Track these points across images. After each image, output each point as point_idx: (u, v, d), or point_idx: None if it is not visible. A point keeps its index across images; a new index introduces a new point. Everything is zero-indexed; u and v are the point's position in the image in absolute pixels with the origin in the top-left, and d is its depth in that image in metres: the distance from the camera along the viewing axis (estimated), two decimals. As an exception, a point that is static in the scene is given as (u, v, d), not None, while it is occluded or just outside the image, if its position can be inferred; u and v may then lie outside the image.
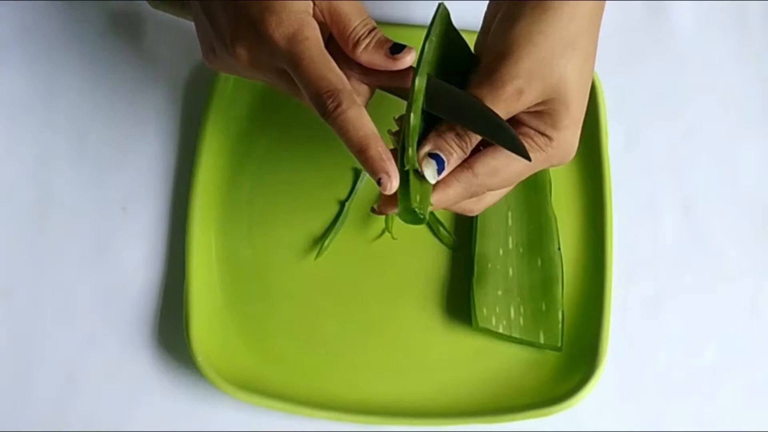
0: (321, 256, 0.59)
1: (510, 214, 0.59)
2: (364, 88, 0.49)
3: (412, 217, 0.46)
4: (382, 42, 0.47)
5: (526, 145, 0.47)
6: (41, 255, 0.60)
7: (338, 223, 0.59)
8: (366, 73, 0.48)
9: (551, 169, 0.60)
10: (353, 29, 0.47)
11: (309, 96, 0.45)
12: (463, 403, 0.56)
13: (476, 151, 0.48)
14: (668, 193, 0.62)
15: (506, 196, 0.59)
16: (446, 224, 0.60)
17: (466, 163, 0.47)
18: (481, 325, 0.57)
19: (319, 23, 0.47)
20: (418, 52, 0.48)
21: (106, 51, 0.64)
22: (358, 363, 0.57)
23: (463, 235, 0.60)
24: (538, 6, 0.46)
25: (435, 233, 0.60)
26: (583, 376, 0.56)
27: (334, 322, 0.58)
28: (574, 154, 0.49)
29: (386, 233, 0.59)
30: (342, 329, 0.58)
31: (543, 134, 0.48)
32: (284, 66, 0.46)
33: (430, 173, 0.46)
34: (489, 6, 0.50)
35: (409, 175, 0.46)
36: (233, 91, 0.61)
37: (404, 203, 0.46)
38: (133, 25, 0.64)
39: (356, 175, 0.61)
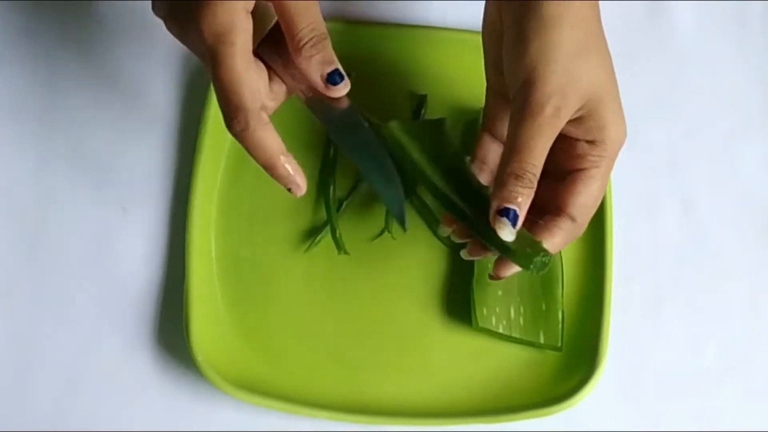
0: (320, 256, 0.59)
1: (510, 214, 0.59)
2: (281, 90, 0.49)
3: (537, 266, 0.48)
4: (326, 61, 0.47)
5: (588, 164, 0.49)
6: (41, 255, 0.60)
7: (334, 222, 0.59)
8: (295, 77, 0.48)
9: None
10: (299, 31, 0.46)
11: (219, 104, 0.45)
12: (463, 403, 0.56)
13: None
14: (668, 193, 0.62)
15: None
16: (446, 224, 0.60)
17: (558, 210, 0.49)
18: (481, 325, 0.57)
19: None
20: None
21: (107, 51, 0.64)
22: (358, 363, 0.57)
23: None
24: (541, 26, 0.47)
25: (435, 233, 0.60)
26: (583, 376, 0.56)
27: (334, 321, 0.58)
28: (626, 138, 0.50)
29: (386, 233, 0.59)
30: (342, 329, 0.58)
31: (591, 141, 0.49)
32: (206, 59, 0.46)
33: (507, 233, 0.47)
34: (484, 30, 0.51)
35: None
36: (233, 91, 0.61)
37: (522, 262, 0.48)
38: (134, 25, 0.64)
39: (357, 175, 0.61)
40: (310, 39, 0.46)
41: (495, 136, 0.53)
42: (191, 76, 0.63)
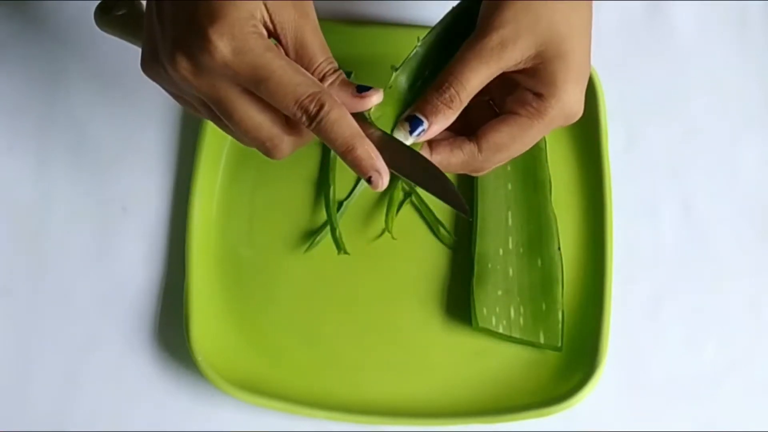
0: (320, 256, 0.59)
1: (510, 214, 0.59)
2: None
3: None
4: (346, 82, 0.46)
5: (524, 111, 0.47)
6: (41, 255, 0.60)
7: (334, 222, 0.59)
8: None
9: (551, 170, 0.60)
10: (319, 65, 0.45)
11: (286, 108, 0.43)
12: (463, 403, 0.56)
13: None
14: (668, 193, 0.62)
15: (506, 196, 0.59)
16: (446, 224, 0.60)
17: (473, 136, 0.47)
18: (481, 325, 0.57)
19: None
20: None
21: (106, 51, 0.64)
22: (358, 363, 0.57)
23: (463, 235, 0.60)
24: None
25: (435, 233, 0.60)
26: (583, 376, 0.56)
27: (335, 322, 0.58)
28: (579, 113, 0.48)
29: (386, 233, 0.59)
30: (342, 329, 0.58)
31: (538, 94, 0.47)
32: (239, 83, 0.43)
33: (401, 135, 0.46)
34: None
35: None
36: (233, 91, 0.61)
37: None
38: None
39: (357, 175, 0.60)
40: (329, 69, 0.46)
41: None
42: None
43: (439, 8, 0.64)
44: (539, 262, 0.58)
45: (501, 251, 0.58)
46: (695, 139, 0.63)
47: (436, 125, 0.46)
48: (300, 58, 0.45)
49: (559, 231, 0.59)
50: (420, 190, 0.60)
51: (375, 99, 0.46)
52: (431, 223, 0.60)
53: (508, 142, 0.47)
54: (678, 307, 0.59)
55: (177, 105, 0.62)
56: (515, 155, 0.49)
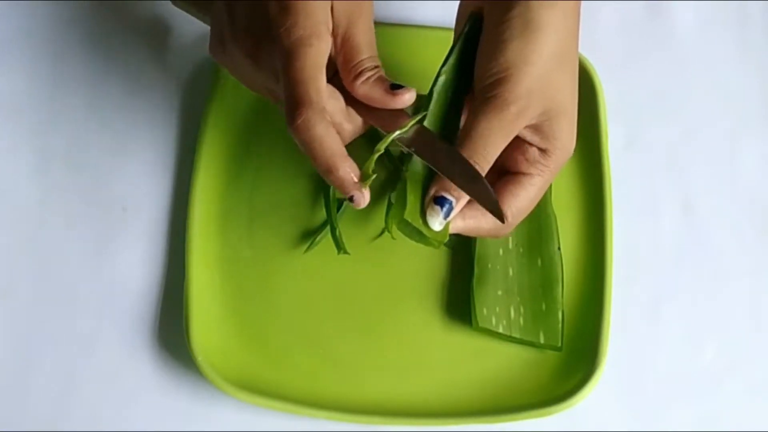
0: (320, 256, 0.59)
1: (510, 214, 0.59)
2: (357, 119, 0.49)
3: (419, 237, 0.48)
4: (382, 79, 0.47)
5: (534, 170, 0.49)
6: (41, 255, 0.60)
7: (335, 221, 0.59)
8: (360, 110, 0.48)
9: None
10: (360, 60, 0.47)
11: (284, 98, 0.45)
12: (463, 403, 0.56)
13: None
14: (668, 193, 0.62)
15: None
16: (446, 224, 0.60)
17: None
18: (481, 325, 0.57)
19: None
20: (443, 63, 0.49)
21: (106, 51, 0.64)
22: (358, 363, 0.57)
23: (463, 235, 0.59)
24: (525, 29, 0.47)
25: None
26: (583, 376, 0.56)
27: (334, 322, 0.58)
28: (572, 153, 0.50)
29: (386, 233, 0.59)
30: (342, 329, 0.58)
31: (543, 149, 0.49)
32: (279, 64, 0.46)
33: (436, 222, 0.47)
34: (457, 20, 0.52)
35: (406, 186, 0.47)
36: (233, 91, 0.61)
37: (397, 210, 0.47)
38: (134, 25, 0.64)
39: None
40: (369, 65, 0.47)
41: None
42: (192, 76, 0.63)
43: (439, 8, 0.64)
44: (539, 262, 0.58)
45: (501, 251, 0.58)
46: (695, 139, 0.63)
47: (463, 199, 0.48)
48: (344, 50, 0.47)
49: (559, 231, 0.59)
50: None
51: (407, 98, 0.47)
52: None
53: (528, 204, 0.50)
54: (678, 307, 0.59)
55: (177, 105, 0.63)
56: (529, 212, 0.51)
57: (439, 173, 0.47)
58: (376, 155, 0.47)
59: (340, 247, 0.58)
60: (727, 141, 0.63)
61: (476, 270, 0.58)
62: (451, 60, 0.50)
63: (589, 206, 0.60)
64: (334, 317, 0.58)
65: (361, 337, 0.58)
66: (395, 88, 0.47)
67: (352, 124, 0.49)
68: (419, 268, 0.59)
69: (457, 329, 0.58)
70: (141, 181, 0.61)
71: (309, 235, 0.60)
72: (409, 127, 0.48)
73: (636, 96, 0.63)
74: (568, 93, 0.49)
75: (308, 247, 0.59)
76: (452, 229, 0.49)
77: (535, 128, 0.49)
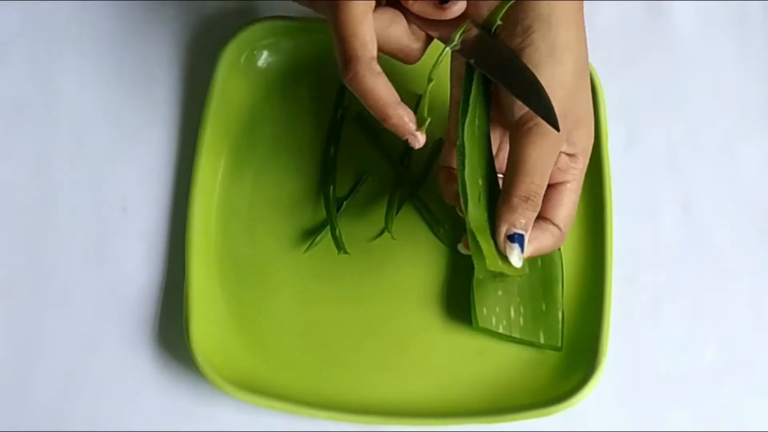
0: (320, 256, 0.59)
1: (510, 214, 0.59)
2: (421, 35, 0.51)
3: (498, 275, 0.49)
4: None
5: (569, 176, 0.51)
6: (41, 255, 0.60)
7: (335, 221, 0.59)
8: (421, 25, 0.50)
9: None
10: None
11: (336, 52, 0.47)
12: (463, 403, 0.56)
13: None
14: (668, 193, 0.62)
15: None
16: (446, 224, 0.60)
17: (546, 220, 0.51)
18: (481, 325, 0.57)
19: None
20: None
21: (106, 51, 0.64)
22: (358, 363, 0.57)
23: (463, 235, 0.60)
24: (554, 52, 0.49)
25: (435, 233, 0.60)
26: (583, 376, 0.56)
27: (334, 322, 0.58)
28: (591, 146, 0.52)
29: (386, 233, 0.59)
30: (342, 329, 0.58)
31: (571, 155, 0.51)
32: (325, 10, 0.48)
33: (516, 258, 0.49)
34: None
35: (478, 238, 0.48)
36: (234, 91, 0.61)
37: (479, 263, 0.48)
38: (133, 26, 0.64)
39: (357, 175, 0.61)
40: None
41: None
42: (191, 75, 0.63)
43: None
44: (539, 262, 0.58)
45: (501, 251, 0.58)
46: (695, 139, 0.63)
47: (530, 225, 0.49)
48: None
49: (559, 231, 0.59)
50: (420, 193, 0.60)
51: (457, 9, 0.48)
52: (432, 223, 0.60)
53: (573, 209, 0.52)
54: (678, 307, 0.59)
55: (176, 105, 0.63)
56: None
57: (500, 87, 0.48)
58: (430, 85, 0.49)
59: (340, 247, 0.58)
60: (727, 141, 0.63)
61: (476, 270, 0.58)
62: (471, 104, 0.50)
63: (589, 206, 0.60)
64: (334, 317, 0.58)
65: (361, 337, 0.58)
66: (444, 1, 0.48)
67: (418, 41, 0.51)
68: (419, 268, 0.59)
69: (457, 329, 0.58)
70: (141, 181, 0.61)
71: (309, 235, 0.60)
72: (458, 36, 0.49)
73: (636, 96, 0.63)
74: (587, 102, 0.51)
75: (308, 248, 0.59)
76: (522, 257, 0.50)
77: (567, 137, 0.50)
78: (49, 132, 0.62)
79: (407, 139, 0.48)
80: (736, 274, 0.60)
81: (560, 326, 0.57)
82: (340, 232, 0.58)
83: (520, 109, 0.48)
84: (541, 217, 0.51)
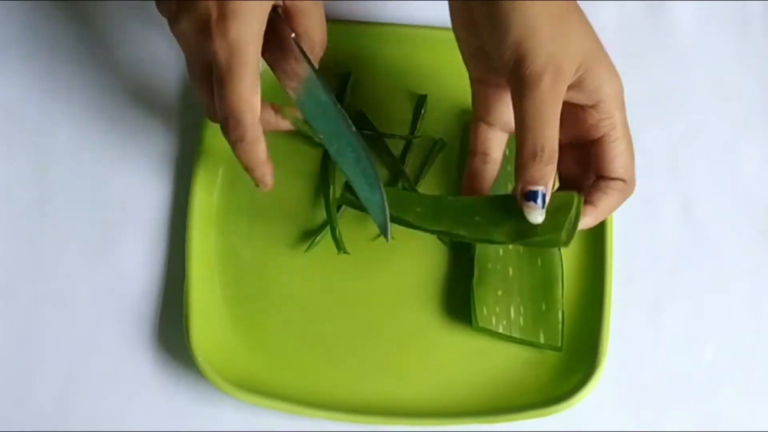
0: (320, 256, 0.59)
1: (510, 214, 0.59)
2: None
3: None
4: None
5: (605, 127, 0.49)
6: (41, 255, 0.60)
7: (334, 221, 0.59)
8: (287, 73, 0.52)
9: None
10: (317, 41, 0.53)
11: (219, 111, 0.49)
12: (463, 403, 0.56)
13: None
14: (668, 193, 0.62)
15: (506, 196, 0.59)
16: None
17: (605, 176, 0.50)
18: (481, 325, 0.57)
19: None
20: None
21: (106, 51, 0.64)
22: (358, 363, 0.57)
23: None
24: (518, 3, 0.47)
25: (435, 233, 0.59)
26: (583, 376, 0.56)
27: (334, 322, 0.58)
28: (623, 87, 0.51)
29: (386, 233, 0.59)
30: (342, 329, 0.58)
31: (595, 105, 0.49)
32: (212, 62, 0.48)
33: (537, 215, 0.48)
34: (454, 25, 0.52)
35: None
36: (233, 91, 0.61)
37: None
38: (134, 26, 0.64)
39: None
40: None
41: (491, 123, 0.53)
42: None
43: (438, 8, 0.64)
44: (539, 262, 0.58)
45: (501, 251, 0.58)
46: (695, 139, 0.63)
47: (549, 185, 0.48)
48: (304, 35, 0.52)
49: (559, 231, 0.59)
50: (420, 190, 0.60)
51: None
52: None
53: (628, 154, 0.51)
54: (678, 307, 0.59)
55: (177, 105, 0.63)
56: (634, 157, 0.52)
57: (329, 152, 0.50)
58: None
59: (340, 247, 0.58)
60: (727, 141, 0.63)
61: (476, 270, 0.58)
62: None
63: (589, 206, 0.60)
64: (334, 317, 0.58)
65: (361, 337, 0.58)
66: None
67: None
68: (419, 268, 0.59)
69: (457, 329, 0.58)
70: (141, 181, 0.61)
71: (309, 235, 0.60)
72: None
73: (636, 96, 0.63)
74: (591, 41, 0.48)
75: (308, 247, 0.59)
76: (587, 225, 0.50)
77: (579, 86, 0.48)
78: (49, 132, 0.62)
79: (257, 184, 0.53)
80: (736, 274, 0.60)
81: (560, 326, 0.57)
82: (340, 232, 0.58)
83: (506, 65, 0.47)
84: (600, 177, 0.50)
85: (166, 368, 0.58)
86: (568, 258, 0.58)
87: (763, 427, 0.57)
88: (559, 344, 0.57)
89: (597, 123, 0.49)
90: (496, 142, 0.53)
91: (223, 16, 0.47)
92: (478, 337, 0.57)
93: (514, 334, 0.57)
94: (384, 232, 0.49)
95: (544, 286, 0.58)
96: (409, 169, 0.61)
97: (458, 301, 0.58)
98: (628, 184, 0.51)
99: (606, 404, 0.57)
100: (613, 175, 0.50)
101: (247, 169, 0.52)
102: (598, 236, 0.59)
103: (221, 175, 0.60)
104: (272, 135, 0.61)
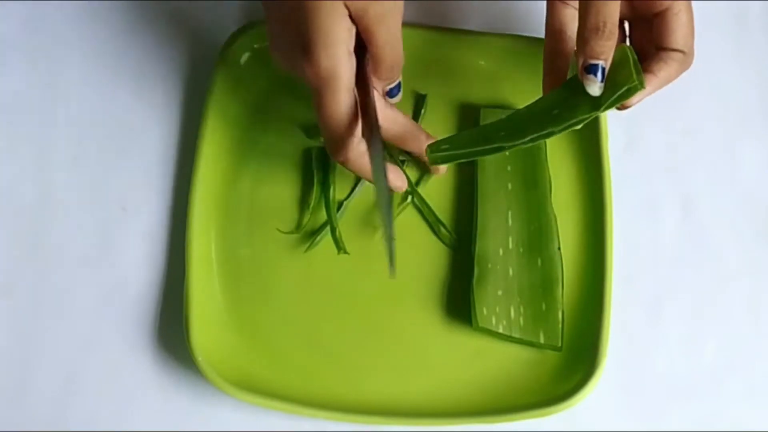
0: (320, 256, 0.59)
1: (510, 213, 0.59)
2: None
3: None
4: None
5: (666, 2, 0.52)
6: (41, 255, 0.60)
7: (334, 221, 0.59)
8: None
9: (551, 170, 0.60)
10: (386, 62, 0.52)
11: (324, 135, 0.50)
12: (463, 403, 0.56)
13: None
14: (668, 193, 0.62)
15: (506, 196, 0.59)
16: (447, 224, 0.60)
17: (666, 48, 0.52)
18: (481, 325, 0.57)
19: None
20: None
21: (106, 51, 0.64)
22: (358, 363, 0.57)
23: (463, 235, 0.60)
24: None
25: (436, 233, 0.60)
26: (583, 376, 0.56)
27: (334, 322, 0.58)
28: None
29: (386, 233, 0.59)
30: (342, 329, 0.58)
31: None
32: (313, 96, 0.49)
33: (596, 88, 0.50)
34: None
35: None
36: (233, 92, 0.61)
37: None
38: (134, 26, 0.64)
39: (357, 176, 0.60)
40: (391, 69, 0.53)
41: (565, 0, 0.54)
42: (192, 76, 0.63)
43: (439, 8, 0.64)
44: (539, 262, 0.58)
45: (501, 251, 0.58)
46: (695, 139, 0.63)
47: (609, 59, 0.50)
48: (372, 51, 0.51)
49: (559, 231, 0.59)
50: (420, 190, 0.60)
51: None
52: (432, 223, 0.60)
53: (689, 28, 0.53)
54: (678, 307, 0.59)
55: (177, 105, 0.63)
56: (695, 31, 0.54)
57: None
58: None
59: (340, 247, 0.58)
60: (726, 141, 0.63)
61: (476, 270, 0.58)
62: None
63: (589, 206, 0.60)
64: (334, 317, 0.58)
65: (361, 337, 0.58)
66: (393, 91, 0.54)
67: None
68: (419, 267, 0.59)
69: (457, 329, 0.58)
70: (141, 181, 0.61)
71: (309, 235, 0.60)
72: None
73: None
74: None
75: (308, 247, 0.59)
76: (647, 94, 0.52)
77: None
78: (49, 132, 0.62)
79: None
80: (736, 274, 0.60)
81: (560, 326, 0.57)
82: (340, 232, 0.58)
83: None
84: (660, 48, 0.52)
85: (166, 368, 0.58)
86: (568, 258, 0.58)
87: (763, 427, 0.57)
88: (559, 344, 0.57)
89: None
90: (569, 18, 0.54)
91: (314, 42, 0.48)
92: (478, 337, 0.57)
93: (514, 334, 0.57)
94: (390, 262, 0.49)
95: (544, 286, 0.58)
96: (409, 169, 0.61)
97: (458, 301, 0.58)
98: (687, 56, 0.53)
99: (606, 404, 0.57)
100: (674, 46, 0.52)
101: (366, 179, 0.53)
102: (598, 236, 0.59)
103: (221, 175, 0.60)
104: (273, 132, 0.61)
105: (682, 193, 0.62)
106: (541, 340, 0.57)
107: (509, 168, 0.60)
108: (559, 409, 0.55)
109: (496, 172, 0.60)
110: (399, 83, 0.54)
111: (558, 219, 0.59)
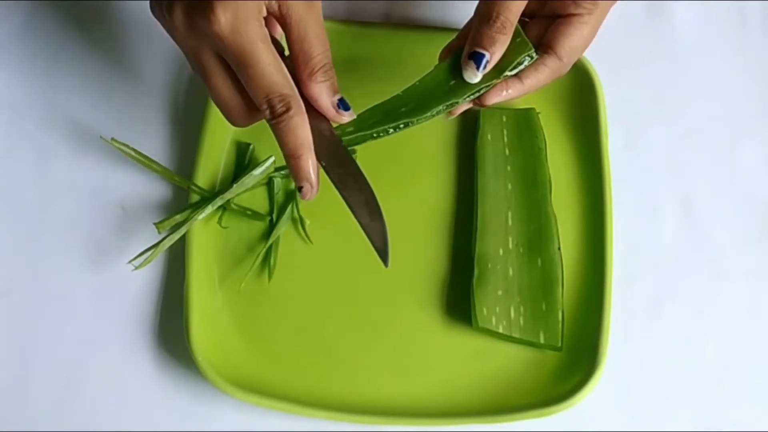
0: (320, 256, 0.59)
1: (510, 213, 0.59)
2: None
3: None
4: (335, 89, 0.49)
5: (583, 9, 0.51)
6: (41, 255, 0.60)
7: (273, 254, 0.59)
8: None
9: (551, 169, 0.60)
10: (314, 57, 0.48)
11: (255, 97, 0.46)
12: (463, 403, 0.56)
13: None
14: (668, 193, 0.62)
15: (506, 196, 0.59)
16: (445, 223, 0.59)
17: (547, 48, 0.52)
18: (481, 325, 0.57)
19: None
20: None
21: (106, 51, 0.64)
22: (358, 363, 0.57)
23: (463, 235, 0.60)
24: None
25: (434, 233, 0.59)
26: (583, 376, 0.56)
27: (335, 322, 0.58)
28: None
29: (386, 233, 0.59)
30: (342, 329, 0.58)
31: None
32: (223, 56, 0.46)
33: (471, 75, 0.50)
34: None
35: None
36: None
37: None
38: (134, 26, 0.64)
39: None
40: (323, 66, 0.48)
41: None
42: (192, 75, 0.63)
43: (438, 8, 0.64)
44: (539, 262, 0.58)
45: (501, 251, 0.58)
46: (695, 139, 0.63)
47: (496, 54, 0.50)
48: (299, 43, 0.48)
49: (559, 231, 0.59)
50: (420, 193, 0.60)
51: (346, 118, 0.50)
52: (431, 223, 0.59)
53: (581, 43, 0.52)
54: (678, 307, 0.59)
55: (177, 105, 0.63)
56: (583, 52, 0.54)
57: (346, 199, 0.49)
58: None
59: (271, 276, 0.58)
60: (727, 141, 0.63)
61: (476, 270, 0.58)
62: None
63: (589, 206, 0.60)
64: (334, 317, 0.58)
65: (362, 337, 0.58)
66: (344, 103, 0.49)
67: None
68: (419, 268, 0.59)
69: (457, 329, 0.58)
70: (141, 181, 0.61)
71: (309, 234, 0.59)
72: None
73: (636, 96, 0.63)
74: None
75: (307, 241, 0.59)
76: (514, 94, 0.52)
77: None
78: (49, 132, 0.62)
79: (302, 187, 0.48)
80: (736, 274, 0.60)
81: (560, 326, 0.57)
82: (274, 260, 0.58)
83: None
84: (548, 48, 0.52)
85: (166, 368, 0.58)
86: (568, 258, 0.58)
87: (763, 427, 0.57)
88: (559, 344, 0.57)
89: (579, 2, 0.51)
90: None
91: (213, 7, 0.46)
92: (478, 337, 0.57)
93: (514, 334, 0.57)
94: (383, 258, 0.49)
95: (544, 286, 0.58)
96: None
97: (458, 301, 0.58)
98: (562, 66, 0.52)
99: (606, 404, 0.57)
100: (558, 50, 0.52)
101: (293, 155, 0.47)
102: (598, 236, 0.59)
103: (221, 175, 0.60)
104: (271, 134, 0.61)
105: (682, 193, 0.62)
106: (541, 340, 0.57)
107: (509, 168, 0.60)
108: (559, 409, 0.54)
109: (496, 171, 0.60)
110: (343, 97, 0.50)
111: (558, 219, 0.59)
